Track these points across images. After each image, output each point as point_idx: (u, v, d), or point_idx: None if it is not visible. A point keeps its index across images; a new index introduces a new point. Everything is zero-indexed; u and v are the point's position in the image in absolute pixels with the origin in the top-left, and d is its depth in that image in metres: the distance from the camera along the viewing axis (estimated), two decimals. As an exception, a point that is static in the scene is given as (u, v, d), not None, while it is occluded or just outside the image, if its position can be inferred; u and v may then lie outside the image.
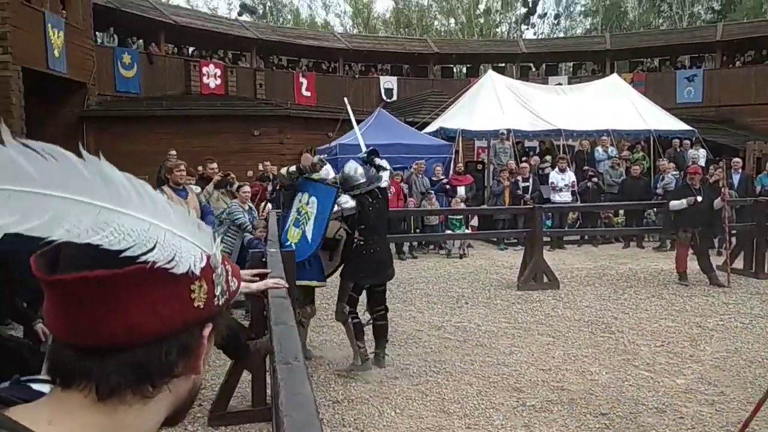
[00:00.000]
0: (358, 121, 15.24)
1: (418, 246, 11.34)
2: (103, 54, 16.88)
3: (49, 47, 13.41)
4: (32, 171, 0.56)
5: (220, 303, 0.70)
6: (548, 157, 13.52)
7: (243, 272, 2.06)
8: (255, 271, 2.72)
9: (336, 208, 4.87)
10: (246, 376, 4.26)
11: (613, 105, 14.41)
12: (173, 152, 10.89)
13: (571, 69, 24.83)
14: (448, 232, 11.18)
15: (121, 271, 0.60)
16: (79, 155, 0.59)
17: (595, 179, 12.08)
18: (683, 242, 8.25)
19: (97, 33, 16.99)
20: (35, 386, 0.72)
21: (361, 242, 4.98)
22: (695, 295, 7.63)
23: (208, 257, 0.67)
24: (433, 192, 11.42)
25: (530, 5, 36.83)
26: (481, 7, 40.03)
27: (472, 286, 8.41)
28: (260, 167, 13.24)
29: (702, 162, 13.13)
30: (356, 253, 5.00)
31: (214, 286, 0.68)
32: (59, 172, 0.57)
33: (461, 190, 11.74)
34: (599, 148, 13.49)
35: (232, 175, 9.28)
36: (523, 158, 13.32)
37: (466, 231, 11.46)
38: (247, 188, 7.63)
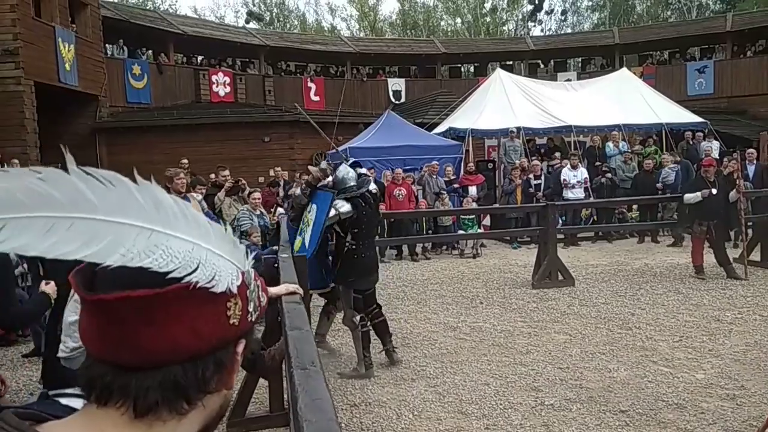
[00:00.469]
0: (368, 124, 15.38)
1: (431, 247, 11.33)
2: (113, 66, 17.06)
3: (60, 61, 13.57)
4: (94, 199, 0.58)
5: (253, 319, 0.71)
6: (557, 154, 13.43)
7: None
8: None
9: (333, 212, 4.87)
10: (263, 382, 4.27)
11: (624, 99, 14.29)
12: (185, 161, 10.97)
13: (579, 65, 24.70)
14: (461, 232, 11.16)
15: (163, 290, 0.61)
16: (133, 180, 0.60)
17: (609, 175, 12.00)
18: (698, 235, 8.17)
19: (107, 45, 17.17)
20: (63, 401, 0.72)
21: (353, 246, 4.98)
22: (712, 289, 7.55)
23: (243, 274, 0.69)
24: (445, 192, 11.41)
25: (536, 2, 36.64)
26: (488, 5, 39.96)
27: (486, 285, 8.38)
28: (271, 173, 13.31)
29: (715, 154, 12.97)
30: (347, 257, 5.01)
31: (247, 303, 0.69)
32: (117, 199, 0.59)
33: (473, 190, 11.71)
34: (610, 144, 13.39)
35: (243, 182, 9.35)
36: (534, 155, 13.27)
37: (479, 231, 11.43)
38: (257, 194, 7.69)
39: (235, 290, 0.66)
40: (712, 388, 4.49)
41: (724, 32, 21.04)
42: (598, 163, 12.53)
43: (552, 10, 39.81)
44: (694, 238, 8.30)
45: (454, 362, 5.31)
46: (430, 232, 11.69)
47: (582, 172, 11.77)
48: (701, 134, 14.15)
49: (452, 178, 12.00)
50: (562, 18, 40.45)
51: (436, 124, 15.40)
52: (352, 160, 5.55)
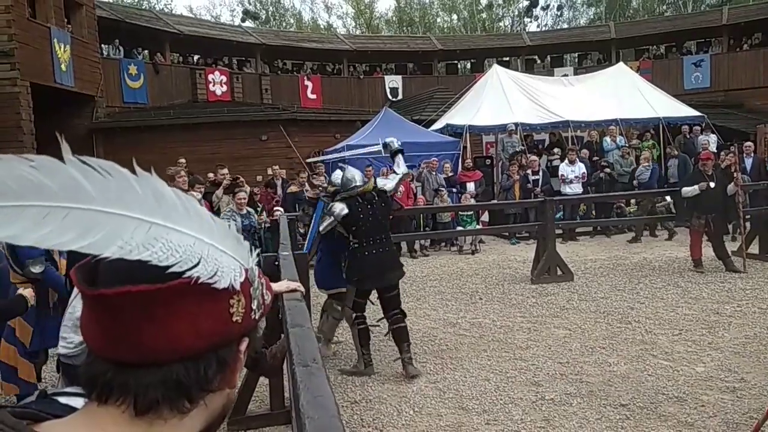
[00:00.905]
0: (365, 121, 15.37)
1: (430, 244, 11.33)
2: (109, 66, 16.99)
3: (55, 62, 13.51)
4: (91, 189, 0.57)
5: (256, 317, 0.70)
6: (556, 150, 13.44)
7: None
8: None
9: (330, 219, 4.98)
10: (263, 380, 4.28)
11: (621, 94, 14.31)
12: (182, 160, 10.95)
13: (576, 60, 24.66)
14: (459, 228, 11.16)
15: (165, 285, 0.60)
16: (133, 171, 0.59)
17: (607, 169, 12.01)
18: (697, 229, 8.18)
19: (102, 45, 17.10)
20: (62, 399, 0.71)
21: (356, 245, 5.00)
22: (711, 282, 7.57)
23: (246, 271, 0.68)
24: (444, 189, 11.41)
25: (532, -3, 36.57)
26: (483, 1, 39.91)
27: (485, 281, 8.39)
28: (269, 171, 13.30)
29: (713, 147, 12.99)
30: (352, 256, 5.03)
31: (251, 300, 0.68)
32: (115, 189, 0.58)
33: (471, 186, 11.71)
34: (607, 138, 13.40)
35: (241, 179, 9.33)
36: (533, 150, 13.28)
37: (478, 227, 11.43)
38: (242, 194, 7.49)
39: (238, 287, 0.65)
40: (712, 381, 4.50)
41: (720, 26, 21.04)
42: (596, 158, 12.53)
43: (548, 6, 39.75)
44: (693, 231, 8.31)
45: (454, 358, 5.32)
46: (428, 228, 11.69)
47: (579, 167, 11.77)
48: (698, 128, 14.19)
49: (450, 174, 12.00)
50: (558, 13, 40.45)
51: (433, 121, 15.41)
52: (396, 145, 5.75)
